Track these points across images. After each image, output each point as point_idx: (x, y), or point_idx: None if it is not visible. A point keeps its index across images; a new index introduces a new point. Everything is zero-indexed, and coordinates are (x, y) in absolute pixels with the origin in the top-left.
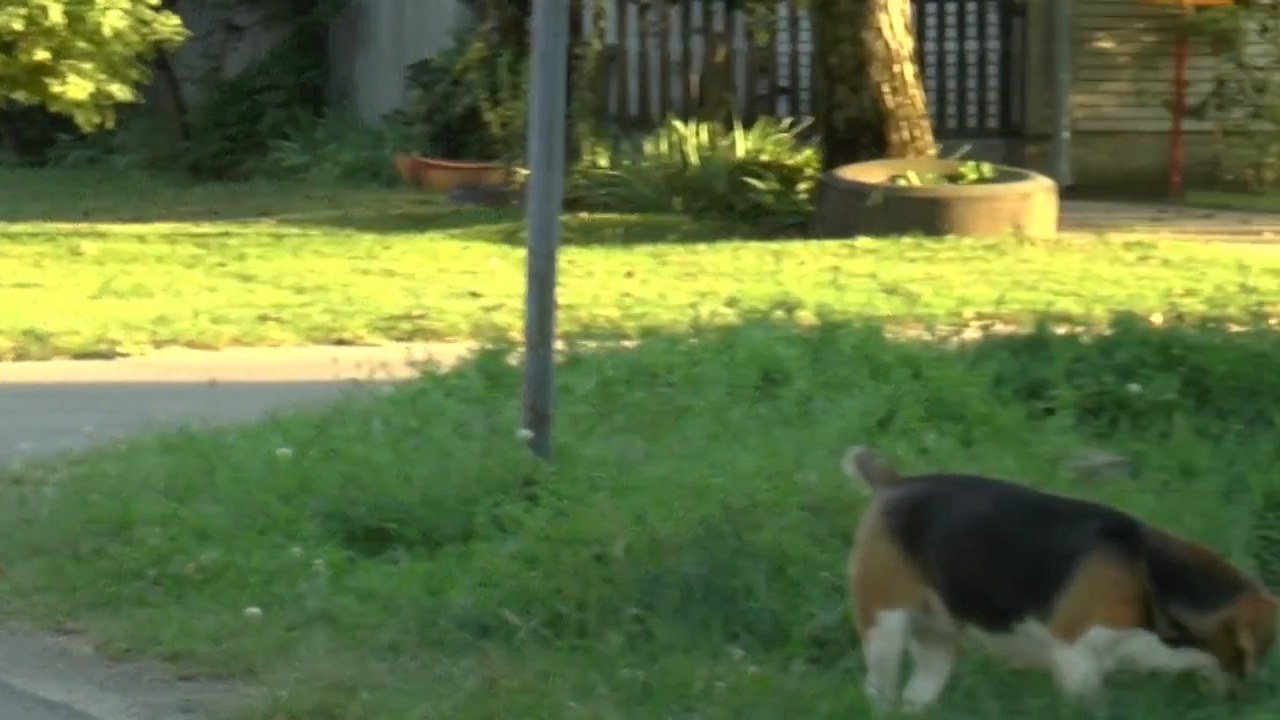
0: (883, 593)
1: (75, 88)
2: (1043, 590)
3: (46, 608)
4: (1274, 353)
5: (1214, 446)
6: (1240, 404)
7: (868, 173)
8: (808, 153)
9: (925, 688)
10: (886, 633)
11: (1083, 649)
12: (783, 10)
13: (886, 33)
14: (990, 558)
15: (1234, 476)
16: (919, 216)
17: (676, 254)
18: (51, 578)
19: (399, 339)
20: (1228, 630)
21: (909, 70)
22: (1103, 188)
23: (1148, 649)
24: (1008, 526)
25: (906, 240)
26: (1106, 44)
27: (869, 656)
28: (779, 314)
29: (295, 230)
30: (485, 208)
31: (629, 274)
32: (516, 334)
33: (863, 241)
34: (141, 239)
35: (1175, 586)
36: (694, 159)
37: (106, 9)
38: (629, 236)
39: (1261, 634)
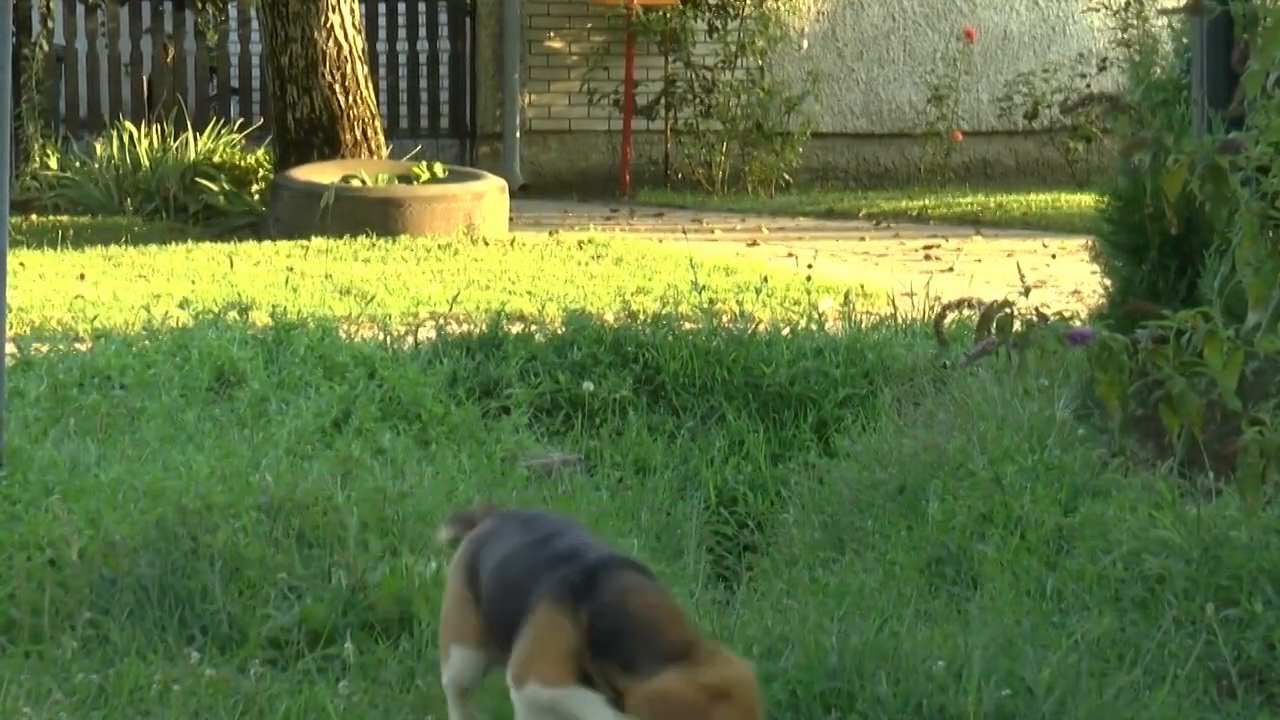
0: (452, 627)
1: None
2: (512, 637)
3: None
4: (725, 350)
5: (667, 443)
6: (693, 401)
7: (320, 173)
8: (260, 153)
9: None
10: (455, 666)
11: (523, 701)
12: (233, 11)
13: (338, 32)
14: (506, 600)
15: (687, 472)
16: (372, 217)
17: (129, 256)
18: None
19: None
20: (637, 707)
21: (360, 70)
22: (555, 187)
23: (594, 708)
24: (519, 569)
25: (360, 240)
26: (557, 44)
27: (447, 690)
28: (232, 315)
29: None
30: None
31: (81, 276)
32: None
33: (316, 242)
34: None
35: (613, 648)
36: (145, 160)
37: None
38: (81, 239)
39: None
